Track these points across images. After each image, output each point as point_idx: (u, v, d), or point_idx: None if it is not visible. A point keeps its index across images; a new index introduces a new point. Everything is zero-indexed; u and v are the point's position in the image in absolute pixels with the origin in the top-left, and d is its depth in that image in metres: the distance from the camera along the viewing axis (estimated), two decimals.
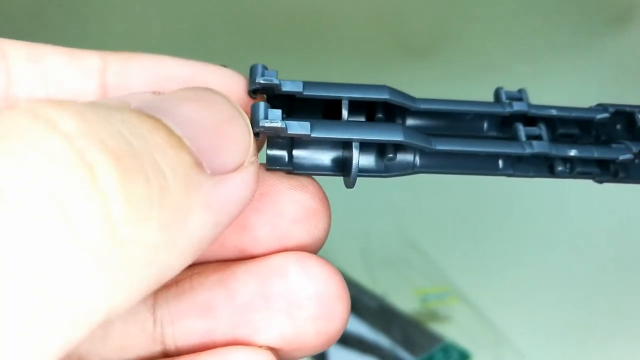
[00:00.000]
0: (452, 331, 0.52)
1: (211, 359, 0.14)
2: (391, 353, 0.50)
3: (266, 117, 0.14)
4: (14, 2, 0.58)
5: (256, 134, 0.14)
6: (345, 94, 0.16)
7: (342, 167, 0.17)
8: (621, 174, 0.18)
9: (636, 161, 0.18)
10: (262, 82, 0.15)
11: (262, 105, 0.15)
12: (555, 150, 0.17)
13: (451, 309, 0.55)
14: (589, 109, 0.18)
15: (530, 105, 0.18)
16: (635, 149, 0.17)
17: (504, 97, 0.18)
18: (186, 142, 0.12)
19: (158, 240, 0.11)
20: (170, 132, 0.12)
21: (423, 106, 0.17)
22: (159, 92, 0.13)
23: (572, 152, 0.17)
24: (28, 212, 0.09)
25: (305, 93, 0.15)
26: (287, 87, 0.15)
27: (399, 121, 0.17)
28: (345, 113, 0.16)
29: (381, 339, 0.51)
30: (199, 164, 0.12)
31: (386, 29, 0.67)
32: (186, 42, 0.61)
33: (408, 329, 0.52)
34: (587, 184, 0.19)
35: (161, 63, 0.15)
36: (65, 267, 0.09)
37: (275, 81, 0.15)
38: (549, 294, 0.55)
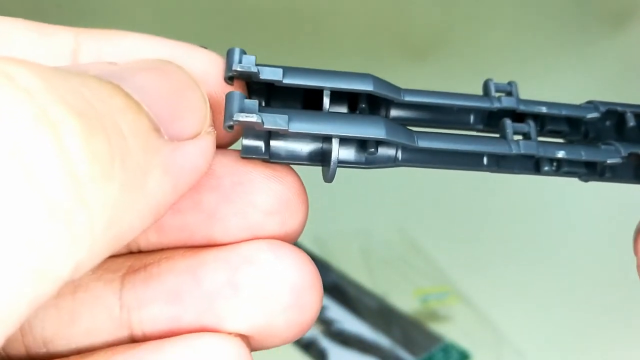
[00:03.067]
0: (452, 331, 0.52)
1: (178, 345, 0.14)
2: (391, 353, 0.50)
3: (241, 110, 0.14)
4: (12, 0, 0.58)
5: (230, 127, 0.14)
6: (327, 84, 0.15)
7: (321, 158, 0.16)
8: (608, 174, 0.18)
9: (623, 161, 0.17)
10: (238, 69, 0.14)
11: (236, 96, 0.14)
12: (543, 151, 0.16)
13: (451, 309, 0.55)
14: (579, 107, 0.18)
15: (519, 101, 0.17)
16: (624, 152, 0.17)
17: (493, 90, 0.17)
18: (144, 107, 0.12)
19: (120, 199, 0.11)
20: (128, 97, 0.12)
21: (408, 98, 0.16)
22: (115, 63, 0.13)
23: (560, 154, 0.16)
24: None
25: (285, 81, 0.14)
26: (265, 75, 0.14)
27: (383, 111, 0.17)
28: (326, 102, 0.15)
29: (381, 339, 0.51)
30: (157, 129, 0.12)
31: (386, 29, 0.67)
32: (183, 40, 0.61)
33: (408, 329, 0.52)
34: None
35: (138, 43, 0.15)
36: (29, 222, 0.09)
37: (253, 69, 0.14)
38: (548, 294, 0.55)
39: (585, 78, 0.66)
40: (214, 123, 0.14)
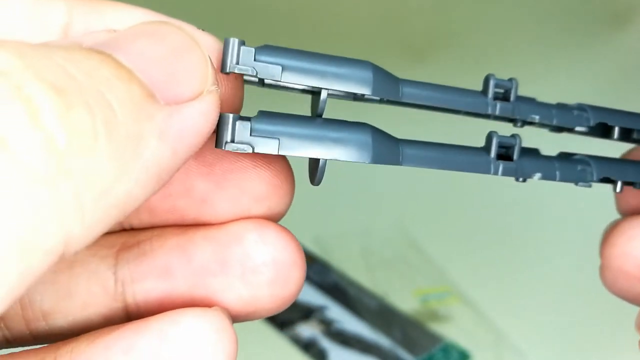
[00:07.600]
0: (452, 331, 0.52)
1: (160, 322, 0.14)
2: (391, 353, 0.50)
3: (232, 140, 0.14)
4: None
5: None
6: (325, 84, 0.15)
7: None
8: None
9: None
10: (236, 72, 0.14)
11: (230, 119, 0.14)
12: (520, 174, 0.17)
13: (451, 309, 0.55)
14: (571, 114, 0.19)
15: (515, 108, 0.17)
16: (596, 177, 0.18)
17: (491, 88, 0.17)
18: (137, 74, 0.12)
19: (110, 170, 0.11)
20: (119, 65, 0.12)
21: (405, 100, 0.16)
22: (114, 30, 0.13)
23: (536, 177, 0.17)
24: None
25: (282, 80, 0.15)
26: (263, 74, 0.14)
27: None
28: (324, 99, 0.15)
29: (381, 339, 0.51)
30: (150, 95, 0.12)
31: (387, 30, 0.67)
32: None
33: (408, 329, 0.52)
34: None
35: (133, 17, 0.14)
36: (10, 192, 0.09)
37: (251, 72, 0.14)
38: (548, 294, 0.55)
39: (584, 78, 0.66)
40: (217, 82, 0.14)
